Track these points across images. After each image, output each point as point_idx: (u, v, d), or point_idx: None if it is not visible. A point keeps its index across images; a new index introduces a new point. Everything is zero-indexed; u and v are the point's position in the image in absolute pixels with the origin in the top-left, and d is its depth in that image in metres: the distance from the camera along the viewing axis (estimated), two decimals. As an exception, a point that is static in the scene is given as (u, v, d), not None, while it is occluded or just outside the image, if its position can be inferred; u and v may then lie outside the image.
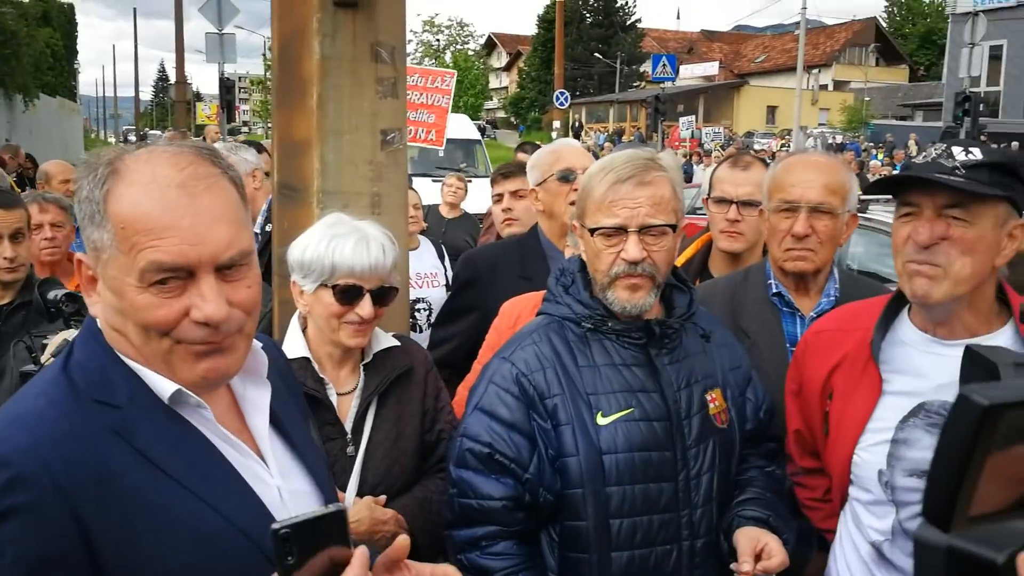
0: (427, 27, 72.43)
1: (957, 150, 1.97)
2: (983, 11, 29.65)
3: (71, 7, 42.93)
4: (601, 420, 2.14)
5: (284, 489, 1.50)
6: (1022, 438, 0.90)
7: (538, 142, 4.69)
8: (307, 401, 1.96)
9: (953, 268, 1.95)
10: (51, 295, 2.43)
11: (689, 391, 2.23)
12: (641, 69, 63.12)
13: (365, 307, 2.39)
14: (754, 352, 2.60)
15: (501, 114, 77.74)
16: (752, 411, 2.40)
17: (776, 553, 2.07)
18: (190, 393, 1.39)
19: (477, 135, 18.38)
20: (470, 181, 8.15)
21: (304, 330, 2.53)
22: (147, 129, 60.70)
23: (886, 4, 73.53)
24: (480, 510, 2.16)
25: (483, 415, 2.20)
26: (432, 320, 4.77)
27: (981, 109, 24.35)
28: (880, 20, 69.08)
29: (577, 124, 50.76)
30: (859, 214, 2.81)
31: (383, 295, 2.44)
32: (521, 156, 6.38)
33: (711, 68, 62.77)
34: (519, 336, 2.31)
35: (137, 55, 61.76)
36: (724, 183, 3.30)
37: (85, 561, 1.24)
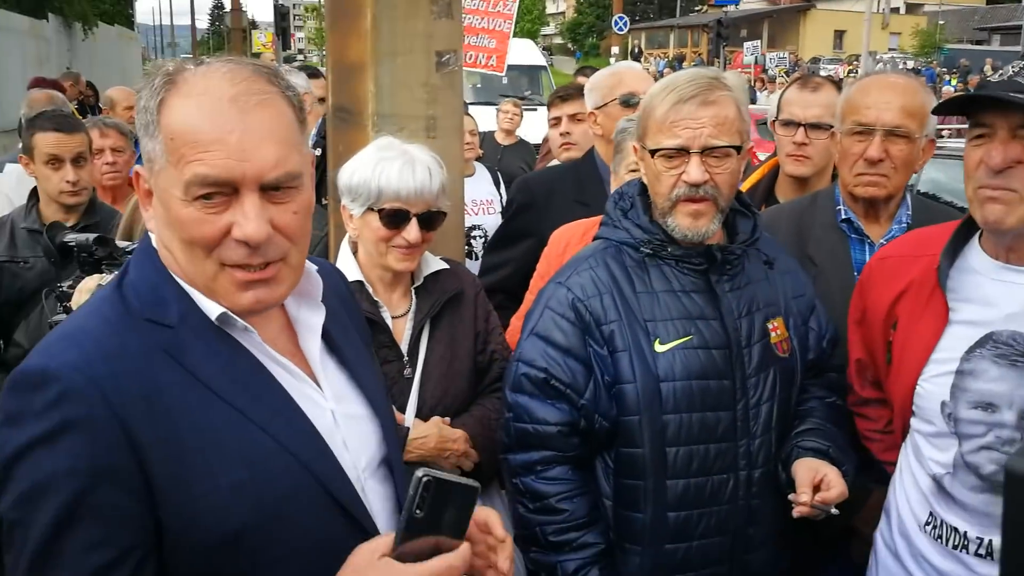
0: (483, -51, 71.05)
1: None
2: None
3: (128, -66, 42.97)
4: (659, 347, 2.11)
5: (338, 412, 1.49)
6: None
7: (598, 68, 4.54)
8: None
9: None
10: (66, 238, 2.35)
11: (750, 319, 2.19)
12: (703, -8, 61.24)
13: (411, 231, 2.38)
14: (820, 280, 2.53)
15: (558, 40, 76.43)
16: (815, 340, 2.35)
17: (835, 484, 2.04)
18: (236, 317, 1.38)
19: (543, 61, 17.69)
20: (534, 109, 7.98)
21: (355, 254, 2.53)
22: (203, 58, 60.97)
23: (965, -81, 69.87)
24: (535, 434, 2.16)
25: (539, 340, 2.18)
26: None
27: (1063, 31, 23.16)
28: (957, -63, 65.72)
29: (636, 50, 49.70)
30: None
31: (430, 219, 2.42)
32: (582, 80, 6.24)
33: (777, -10, 60.60)
34: (575, 261, 2.27)
35: (194, -18, 61.73)
36: (792, 105, 3.22)
37: (136, 473, 1.24)
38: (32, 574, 1.23)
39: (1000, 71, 1.97)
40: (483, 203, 5.26)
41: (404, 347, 2.48)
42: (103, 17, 29.93)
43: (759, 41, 42.08)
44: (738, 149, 2.11)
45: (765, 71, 32.96)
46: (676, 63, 44.22)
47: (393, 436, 1.62)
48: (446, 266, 2.60)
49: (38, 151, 3.44)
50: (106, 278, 2.11)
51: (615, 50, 34.40)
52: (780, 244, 2.45)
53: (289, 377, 1.44)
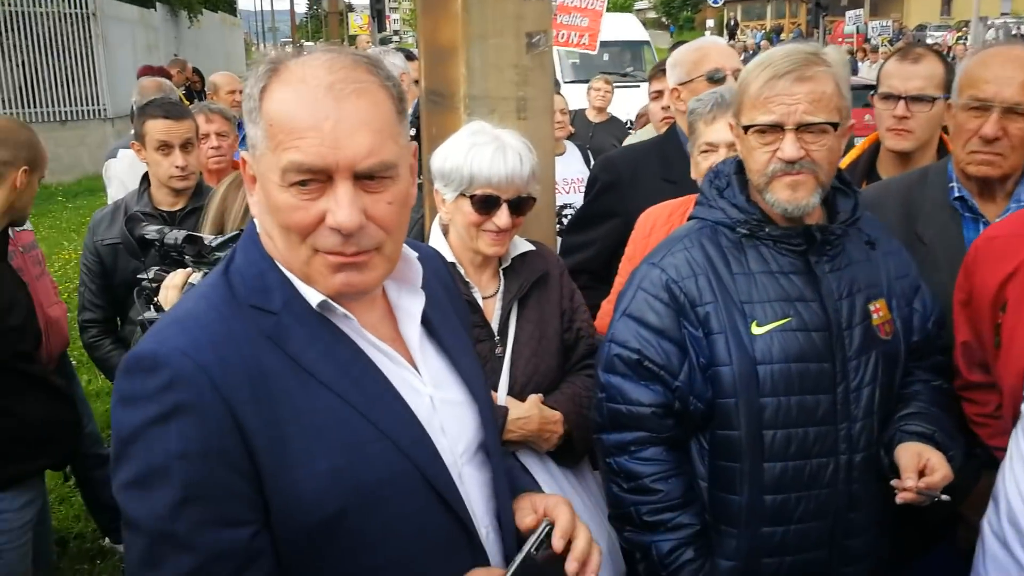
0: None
1: None
2: None
3: (230, -79, 44.08)
4: (756, 329, 2.08)
5: (436, 398, 1.51)
6: None
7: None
8: None
9: None
10: (145, 232, 2.32)
11: (851, 300, 2.13)
12: (803, -40, 59.19)
13: (502, 217, 2.41)
14: (929, 260, 2.45)
15: (652, 14, 75.13)
16: (919, 322, 2.28)
17: (938, 468, 1.99)
18: (335, 304, 1.39)
19: (645, 35, 17.04)
20: (637, 86, 7.87)
21: (446, 235, 2.57)
22: (303, 41, 62.34)
23: None
24: (629, 415, 2.16)
25: (631, 321, 2.17)
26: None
27: None
28: None
29: (732, 22, 48.51)
30: None
31: (520, 205, 2.44)
32: (680, 54, 6.14)
33: (881, -45, 58.08)
34: (669, 241, 2.25)
35: (292, -33, 62.96)
36: (892, 77, 3.12)
37: (245, 456, 1.28)
38: (153, 553, 1.27)
39: None
40: (574, 182, 5.24)
41: (495, 326, 2.51)
42: (207, 4, 30.85)
43: (861, 10, 40.45)
44: (835, 126, 2.05)
45: (867, 40, 31.70)
46: (773, 35, 43.01)
47: (491, 422, 1.63)
48: (532, 247, 2.63)
49: (149, 138, 3.58)
50: (196, 276, 2.09)
51: (710, 23, 33.73)
52: (885, 222, 2.38)
53: (388, 363, 1.46)
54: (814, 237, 2.11)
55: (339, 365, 1.38)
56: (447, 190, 2.45)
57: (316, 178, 1.32)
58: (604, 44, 14.47)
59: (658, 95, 4.35)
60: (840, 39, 31.98)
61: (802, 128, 2.03)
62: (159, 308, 2.11)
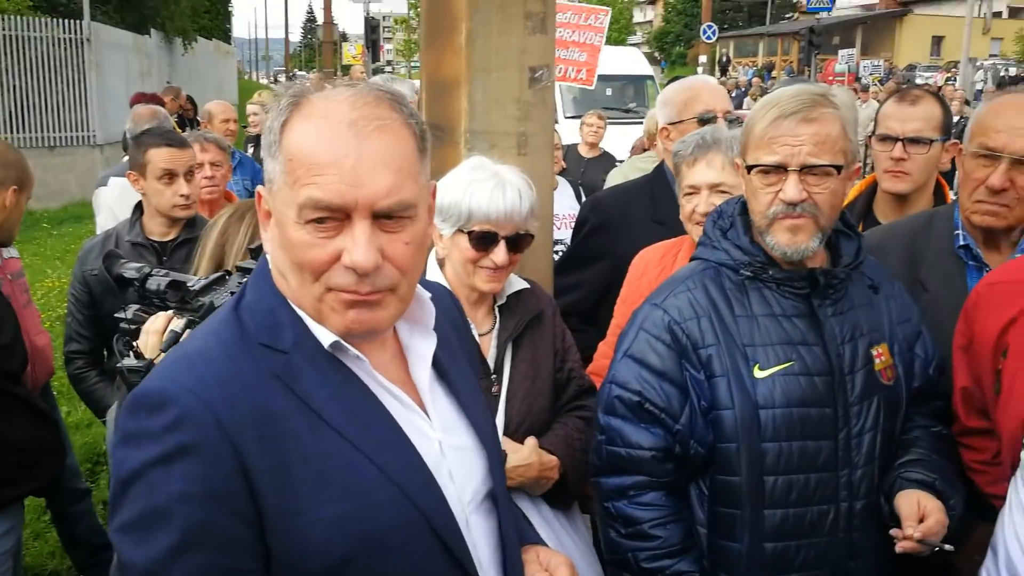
0: (572, -40, 71.14)
1: None
2: None
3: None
4: (758, 373, 2.06)
5: (445, 443, 1.47)
6: None
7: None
8: None
9: None
10: (123, 271, 2.19)
11: (854, 345, 2.12)
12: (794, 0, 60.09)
13: (499, 254, 2.39)
14: (931, 308, 2.42)
15: (645, 49, 76.03)
16: (921, 367, 2.26)
17: (931, 512, 1.97)
18: (348, 345, 1.37)
19: (649, 70, 16.62)
20: (639, 122, 7.83)
21: (441, 268, 2.55)
22: (296, 70, 62.65)
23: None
24: (628, 459, 2.13)
25: (633, 363, 2.15)
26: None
27: None
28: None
29: (724, 59, 49.08)
30: None
31: (518, 242, 2.42)
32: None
33: (872, -4, 59.06)
34: (672, 282, 2.23)
35: (287, -3, 63.56)
36: (890, 119, 3.11)
37: (248, 500, 1.25)
38: None
39: None
40: (565, 217, 5.22)
41: (491, 364, 2.48)
42: (202, 32, 31.02)
43: (853, 49, 41.01)
44: (839, 169, 2.04)
45: (858, 79, 32.08)
46: (765, 72, 43.48)
47: (500, 469, 1.60)
48: (527, 285, 2.61)
49: (152, 166, 3.54)
50: (178, 322, 1.99)
51: (703, 59, 34.08)
52: (888, 267, 2.37)
53: (398, 406, 1.43)
54: (817, 281, 2.09)
55: (349, 408, 1.35)
56: (444, 225, 2.43)
57: (334, 216, 1.29)
58: (606, 79, 14.30)
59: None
60: (831, 78, 32.30)
61: (805, 170, 2.02)
62: (139, 354, 2.02)
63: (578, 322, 3.12)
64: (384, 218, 1.32)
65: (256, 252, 1.98)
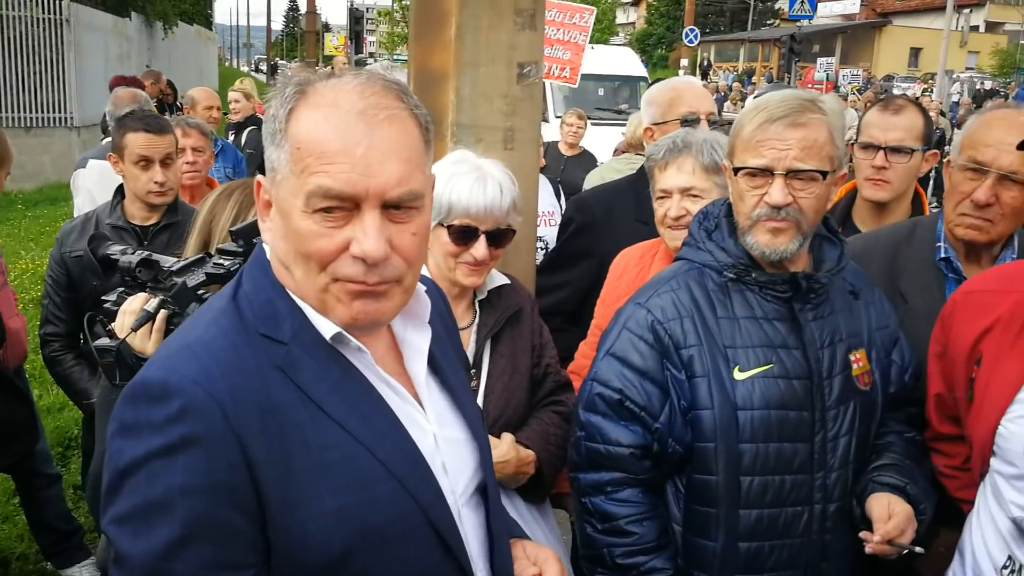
0: (556, -41, 71.07)
1: None
2: None
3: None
4: (738, 375, 2.07)
5: (440, 436, 1.47)
6: None
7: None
8: None
9: None
10: (109, 251, 2.17)
11: (832, 349, 2.14)
12: (776, 6, 60.50)
13: (479, 248, 2.38)
14: (909, 318, 2.44)
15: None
16: (897, 374, 2.29)
17: (901, 515, 2.01)
18: (350, 337, 1.35)
19: (643, 71, 16.37)
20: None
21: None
22: (277, 59, 62.13)
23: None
24: (607, 455, 2.14)
25: (615, 361, 2.16)
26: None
27: None
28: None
29: (705, 63, 49.34)
30: None
31: (499, 236, 2.41)
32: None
33: (852, 6, 59.47)
34: (656, 282, 2.24)
35: (270, -16, 63.05)
36: (872, 127, 3.13)
37: (251, 493, 1.23)
38: None
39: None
40: (545, 215, 5.23)
41: (470, 359, 2.48)
42: (183, 16, 30.70)
43: (832, 58, 41.33)
44: (825, 174, 2.06)
45: (837, 88, 32.37)
46: (745, 78, 43.76)
47: (489, 462, 1.60)
48: (507, 281, 2.61)
49: (128, 151, 3.50)
50: (152, 302, 1.97)
51: (684, 62, 34.17)
52: (869, 274, 2.39)
53: (396, 398, 1.42)
54: (799, 284, 2.11)
55: (349, 400, 1.34)
56: None
57: (343, 205, 1.28)
58: (599, 78, 14.19)
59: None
60: (810, 85, 32.61)
61: (791, 174, 2.03)
62: (112, 335, 1.99)
63: (562, 322, 3.13)
64: (393, 208, 1.31)
65: (236, 235, 1.94)
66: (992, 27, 59.40)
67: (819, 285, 2.14)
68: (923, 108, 3.25)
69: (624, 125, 7.72)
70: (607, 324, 2.27)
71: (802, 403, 2.08)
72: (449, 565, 1.40)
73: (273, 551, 1.26)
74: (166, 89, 13.05)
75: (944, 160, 2.66)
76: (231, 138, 8.28)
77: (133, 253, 2.12)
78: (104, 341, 1.96)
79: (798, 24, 36.68)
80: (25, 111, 15.74)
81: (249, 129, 8.38)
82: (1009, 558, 1.99)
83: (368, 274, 1.31)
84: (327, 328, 1.35)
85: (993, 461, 2.05)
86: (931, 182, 10.39)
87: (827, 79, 34.48)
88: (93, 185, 4.78)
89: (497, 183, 2.37)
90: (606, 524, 2.14)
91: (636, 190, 3.37)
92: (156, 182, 3.50)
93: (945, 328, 2.26)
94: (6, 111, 15.45)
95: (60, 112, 16.18)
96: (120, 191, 3.65)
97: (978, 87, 33.75)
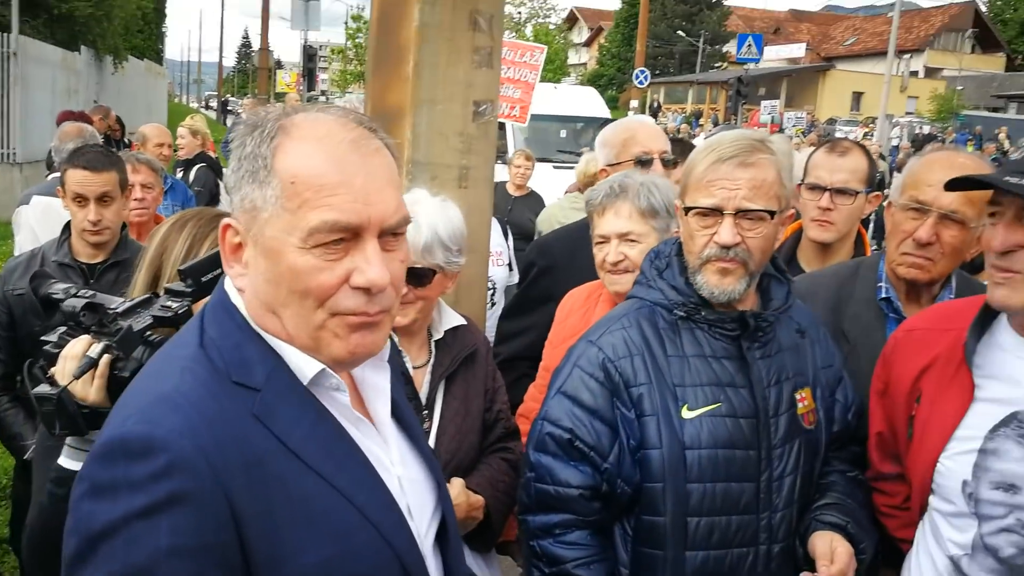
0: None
1: None
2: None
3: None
4: (687, 413, 2.08)
5: (403, 477, 1.44)
6: None
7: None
8: None
9: None
10: (51, 291, 2.06)
11: (779, 388, 2.15)
12: (724, 49, 61.91)
13: None
14: (852, 357, 2.47)
15: (578, 92, 76.96)
16: (840, 413, 2.32)
17: (842, 555, 2.02)
18: (332, 374, 1.32)
19: (606, 112, 16.06)
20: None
21: None
22: (228, 96, 61.67)
23: (988, -14, 70.50)
24: (556, 497, 2.12)
25: (566, 399, 2.15)
26: (495, 298, 4.70)
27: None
28: (980, 4, 66.12)
29: (655, 104, 50.15)
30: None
31: (417, 275, 2.36)
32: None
33: (798, 50, 61.23)
34: (608, 319, 2.25)
35: (223, 21, 62.98)
36: (819, 168, 3.17)
37: (238, 551, 1.17)
38: None
39: (1020, 148, 1.96)
40: (493, 255, 5.22)
41: (423, 399, 2.46)
42: (133, 51, 30.37)
43: (777, 101, 42.33)
44: (773, 214, 2.09)
45: (782, 130, 33.12)
46: (693, 119, 44.59)
47: (448, 501, 1.58)
48: (464, 322, 2.60)
49: (67, 187, 3.42)
50: (96, 346, 1.86)
51: (634, 103, 34.72)
52: (814, 313, 2.42)
53: (366, 440, 1.39)
54: (748, 323, 2.13)
55: (324, 445, 1.30)
56: None
57: (345, 236, 1.26)
58: (563, 119, 14.10)
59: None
60: (756, 127, 33.31)
61: (740, 214, 2.06)
62: (52, 381, 1.88)
63: (529, 367, 3.08)
64: (389, 236, 1.30)
65: (185, 274, 1.86)
66: (931, 72, 61.40)
67: (767, 323, 2.16)
68: (867, 151, 3.33)
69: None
70: (556, 365, 2.27)
71: (749, 442, 2.09)
72: None
73: None
74: (114, 125, 12.88)
75: (886, 202, 2.71)
76: (179, 175, 8.18)
77: (77, 293, 2.03)
78: (44, 388, 1.85)
79: (745, 67, 37.58)
80: (-34, 146, 15.35)
81: (198, 167, 8.27)
82: (947, 597, 2.01)
83: (369, 304, 1.28)
84: (306, 368, 1.31)
85: (932, 499, 2.07)
86: (871, 223, 10.64)
87: (772, 121, 35.29)
88: (35, 223, 4.66)
89: (416, 222, 2.31)
90: (554, 568, 2.11)
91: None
92: (89, 220, 3.39)
93: (886, 366, 2.29)
94: (-54, 145, 15.05)
95: (2, 148, 15.76)
96: (68, 228, 3.58)
97: (916, 131, 34.73)
